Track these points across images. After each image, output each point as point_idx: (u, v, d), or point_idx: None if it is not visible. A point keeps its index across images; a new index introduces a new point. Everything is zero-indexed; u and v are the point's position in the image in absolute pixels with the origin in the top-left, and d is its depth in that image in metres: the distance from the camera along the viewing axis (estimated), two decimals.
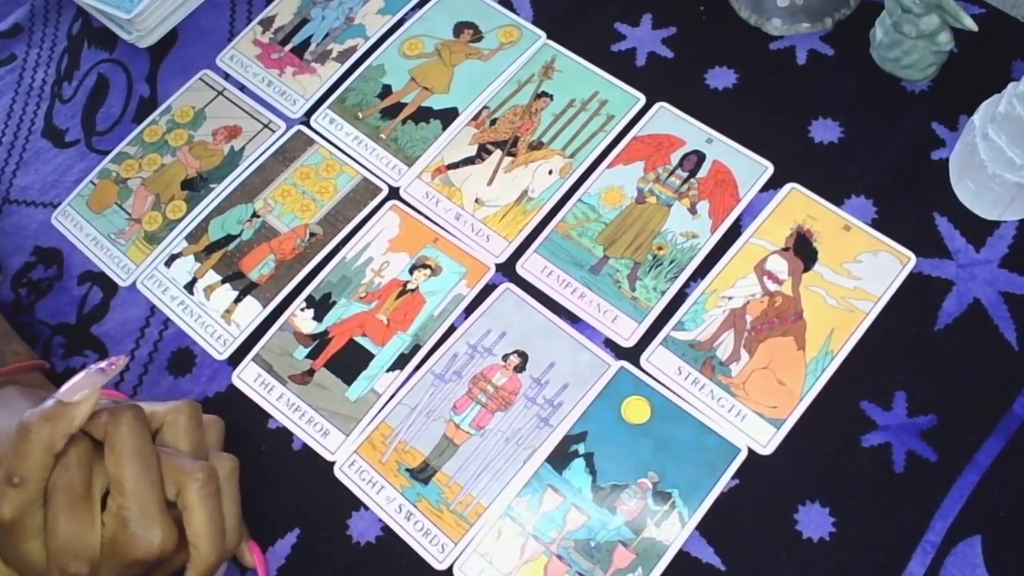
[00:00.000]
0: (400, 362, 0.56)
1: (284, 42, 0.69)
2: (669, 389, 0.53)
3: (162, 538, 0.43)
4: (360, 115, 0.64)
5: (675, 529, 0.49)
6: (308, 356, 0.57)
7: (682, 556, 0.49)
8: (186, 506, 0.45)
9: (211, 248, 0.62)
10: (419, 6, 0.68)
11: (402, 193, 0.61)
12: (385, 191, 0.62)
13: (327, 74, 0.67)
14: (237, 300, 0.60)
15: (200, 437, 0.49)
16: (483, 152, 0.61)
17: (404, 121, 0.63)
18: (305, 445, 0.55)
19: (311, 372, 0.57)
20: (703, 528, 0.49)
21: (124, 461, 0.43)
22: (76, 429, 0.43)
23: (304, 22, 0.69)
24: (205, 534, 0.45)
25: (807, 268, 0.54)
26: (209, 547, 0.45)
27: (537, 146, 0.61)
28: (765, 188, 0.57)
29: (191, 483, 0.45)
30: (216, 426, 0.52)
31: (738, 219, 0.57)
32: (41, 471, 0.43)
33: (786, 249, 0.55)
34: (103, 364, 0.46)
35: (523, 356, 0.55)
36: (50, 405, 0.43)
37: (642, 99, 0.61)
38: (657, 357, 0.54)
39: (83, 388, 0.44)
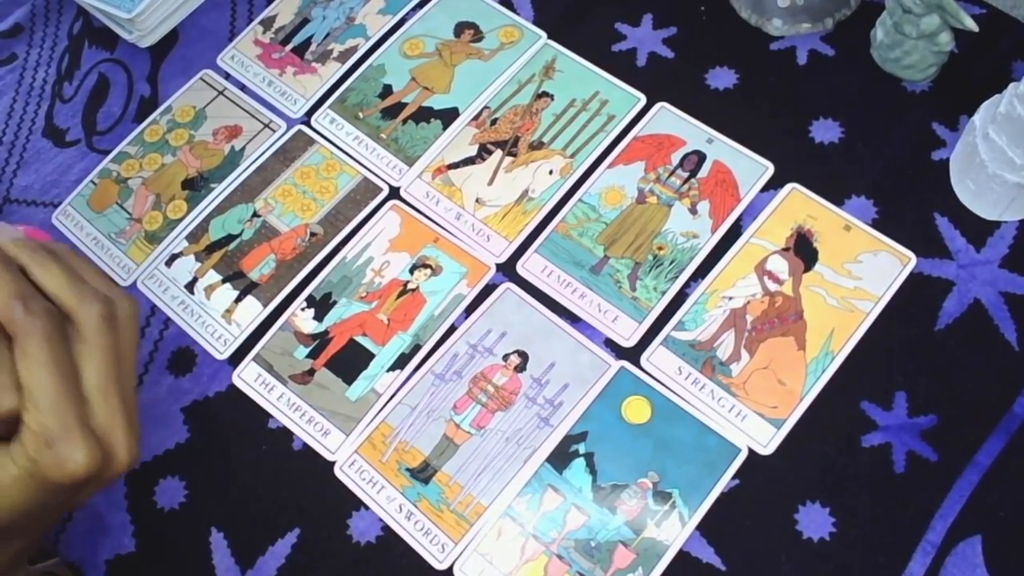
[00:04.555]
0: (400, 362, 0.56)
1: (285, 42, 0.69)
2: (669, 389, 0.53)
3: (88, 456, 0.36)
4: (361, 115, 0.64)
5: (675, 529, 0.49)
6: (308, 356, 0.57)
7: (682, 556, 0.49)
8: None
9: (212, 248, 0.62)
10: (420, 6, 0.68)
11: (403, 193, 0.61)
12: (386, 191, 0.62)
13: (328, 74, 0.67)
14: (238, 300, 0.60)
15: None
16: (484, 152, 0.61)
17: (405, 121, 0.63)
18: (305, 445, 0.55)
19: (311, 372, 0.57)
20: (703, 528, 0.49)
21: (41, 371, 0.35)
22: None
23: (305, 22, 0.69)
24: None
25: (807, 268, 0.54)
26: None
27: (538, 146, 0.61)
28: (765, 188, 0.57)
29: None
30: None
31: (738, 219, 0.57)
32: None
33: (786, 249, 0.55)
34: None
35: (523, 356, 0.55)
36: None
37: (643, 99, 0.61)
38: (657, 357, 0.54)
39: None
